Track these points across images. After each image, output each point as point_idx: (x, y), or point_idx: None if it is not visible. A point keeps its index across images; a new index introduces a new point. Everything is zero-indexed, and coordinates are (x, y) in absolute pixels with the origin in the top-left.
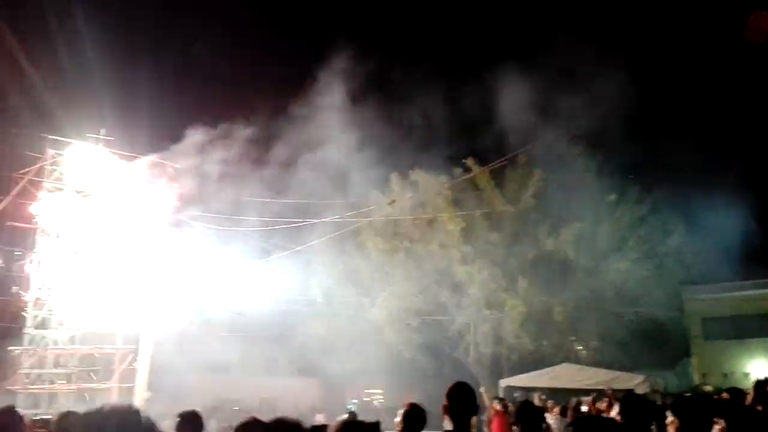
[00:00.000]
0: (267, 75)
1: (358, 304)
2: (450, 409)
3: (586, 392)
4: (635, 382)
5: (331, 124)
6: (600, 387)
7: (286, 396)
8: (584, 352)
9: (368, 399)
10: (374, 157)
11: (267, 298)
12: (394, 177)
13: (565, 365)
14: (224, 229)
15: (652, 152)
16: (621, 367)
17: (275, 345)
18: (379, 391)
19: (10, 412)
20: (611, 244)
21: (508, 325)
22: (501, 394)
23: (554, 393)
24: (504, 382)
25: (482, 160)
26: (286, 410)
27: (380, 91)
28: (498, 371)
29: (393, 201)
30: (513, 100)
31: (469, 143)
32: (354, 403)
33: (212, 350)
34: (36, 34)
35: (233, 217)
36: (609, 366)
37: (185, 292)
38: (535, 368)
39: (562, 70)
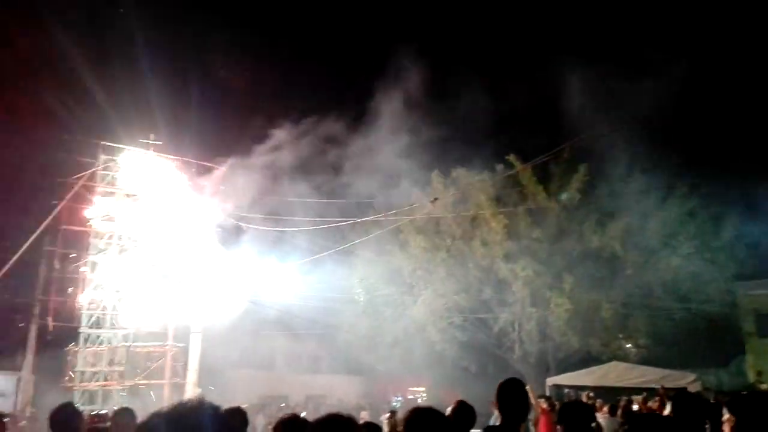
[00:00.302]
0: (310, 78)
1: (401, 302)
2: (500, 406)
3: (636, 391)
4: (686, 380)
5: (373, 125)
6: (650, 386)
7: (331, 393)
8: (633, 350)
9: (412, 396)
10: (415, 155)
11: (312, 296)
12: (435, 175)
13: (613, 363)
14: (270, 230)
15: (703, 143)
16: (671, 366)
17: (320, 343)
18: (422, 388)
19: (70, 407)
20: (661, 239)
21: (554, 323)
22: (548, 393)
23: (602, 392)
24: (551, 381)
25: (525, 156)
26: (332, 407)
27: (421, 90)
28: (544, 369)
29: (435, 199)
30: (556, 93)
31: (511, 139)
32: (398, 400)
33: (259, 348)
34: (88, 43)
35: (278, 217)
36: (659, 364)
37: (233, 290)
38: (582, 367)
39: (608, 62)
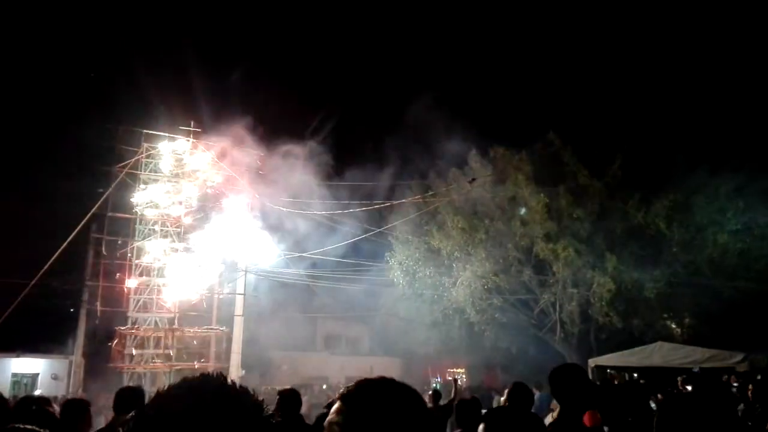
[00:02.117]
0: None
1: (440, 283)
2: (557, 395)
3: (681, 371)
4: (734, 360)
5: (411, 107)
6: (696, 366)
7: (371, 374)
8: (677, 329)
9: (451, 378)
10: (454, 135)
11: (351, 278)
12: (473, 154)
13: (658, 343)
14: (309, 213)
15: (751, 115)
16: (719, 345)
17: (359, 325)
18: (462, 370)
19: (139, 389)
20: (707, 216)
21: (596, 304)
22: (590, 375)
23: (647, 372)
24: (593, 362)
25: (565, 133)
26: None
27: (459, 70)
28: (586, 351)
29: (473, 179)
30: (596, 68)
31: (550, 116)
32: (437, 382)
33: (300, 330)
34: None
35: (317, 201)
36: (705, 344)
37: (273, 275)
38: (625, 347)
39: (649, 34)
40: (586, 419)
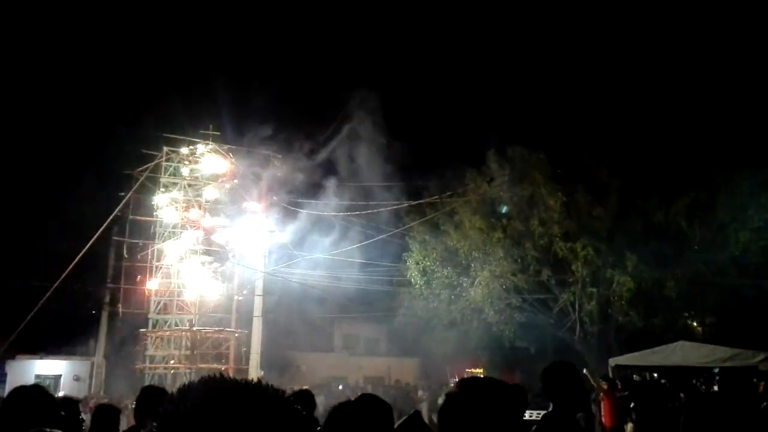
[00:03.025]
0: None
1: (458, 283)
2: (548, 393)
3: (703, 371)
4: (757, 359)
5: (426, 104)
6: (718, 365)
7: (389, 375)
8: (698, 328)
9: (472, 376)
10: (469, 135)
11: (368, 279)
12: (491, 154)
13: (679, 343)
14: (326, 214)
15: None
16: (741, 344)
17: (377, 325)
18: (480, 370)
19: (162, 389)
20: (729, 214)
21: (616, 303)
22: (610, 374)
23: (668, 372)
24: (613, 361)
25: (584, 131)
26: (390, 388)
27: (477, 69)
28: (606, 350)
29: (491, 179)
30: (617, 66)
31: (569, 114)
32: (456, 382)
33: (318, 331)
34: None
35: (335, 202)
36: (727, 343)
37: (291, 276)
38: (646, 347)
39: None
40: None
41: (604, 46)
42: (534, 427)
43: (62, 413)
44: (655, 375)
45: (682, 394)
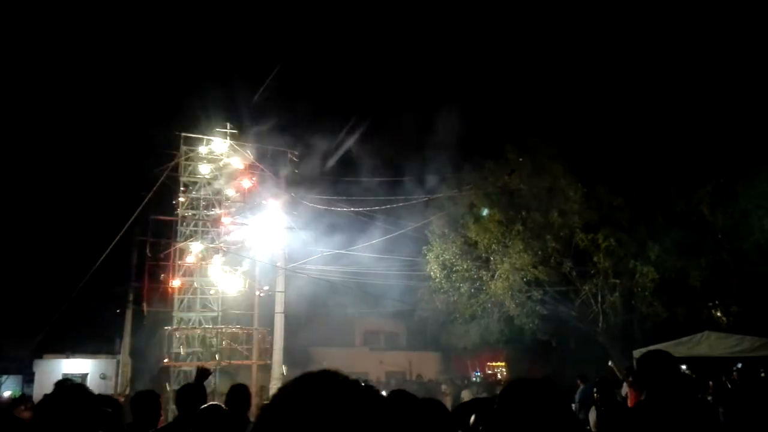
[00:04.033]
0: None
1: (478, 277)
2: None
3: (730, 360)
4: None
5: (443, 95)
6: (744, 354)
7: (410, 369)
8: (723, 318)
9: (491, 372)
10: (487, 127)
11: (388, 274)
12: (509, 146)
13: (705, 333)
14: (344, 210)
15: None
16: (766, 333)
17: (397, 320)
18: (502, 364)
19: (201, 386)
20: (752, 201)
21: (640, 294)
22: (634, 366)
23: (694, 363)
24: (637, 353)
25: (603, 120)
26: (411, 383)
27: (493, 58)
28: (630, 342)
29: (511, 171)
30: (635, 53)
31: (587, 104)
32: (478, 376)
33: (338, 326)
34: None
35: (353, 198)
36: (753, 332)
37: (311, 272)
38: (671, 338)
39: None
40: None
41: (622, 35)
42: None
43: (109, 410)
44: (684, 366)
45: (711, 382)
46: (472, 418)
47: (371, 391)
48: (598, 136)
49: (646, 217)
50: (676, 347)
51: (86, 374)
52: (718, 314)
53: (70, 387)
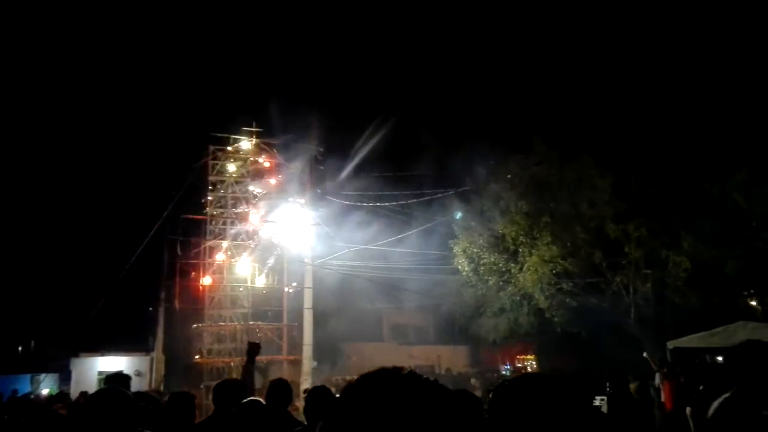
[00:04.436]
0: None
1: (506, 269)
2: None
3: None
4: None
5: (469, 89)
6: None
7: (439, 363)
8: (759, 307)
9: (521, 365)
10: (514, 120)
11: (415, 268)
12: (537, 138)
13: (740, 323)
14: (371, 205)
15: None
16: None
17: (425, 314)
18: (531, 357)
19: (238, 381)
20: None
21: (673, 284)
22: (668, 357)
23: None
24: (671, 344)
25: (633, 109)
26: (440, 376)
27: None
28: (663, 333)
29: (539, 162)
30: (661, 43)
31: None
32: (507, 369)
33: (367, 320)
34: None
35: (379, 193)
36: None
37: (338, 267)
38: (705, 328)
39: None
40: None
41: (651, 23)
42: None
43: (150, 407)
44: (719, 358)
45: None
46: None
47: (437, 386)
48: (628, 126)
49: (679, 206)
50: (709, 338)
51: (121, 371)
52: (754, 303)
53: (107, 391)
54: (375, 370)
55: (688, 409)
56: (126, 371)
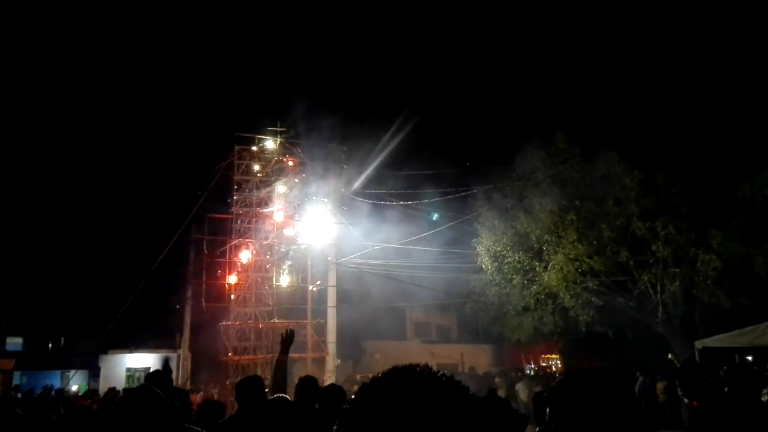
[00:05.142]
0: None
1: (530, 268)
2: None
3: None
4: None
5: (491, 86)
6: None
7: (462, 362)
8: None
9: (545, 364)
10: (536, 117)
11: (439, 267)
12: (560, 134)
13: None
14: (394, 204)
15: None
16: None
17: (449, 313)
18: (556, 356)
19: (258, 378)
20: None
21: (701, 283)
22: (697, 357)
23: (760, 353)
24: (700, 344)
25: (656, 104)
26: (464, 375)
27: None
28: (691, 332)
29: (565, 159)
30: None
31: (641, 87)
32: (531, 368)
33: (390, 319)
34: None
35: (402, 191)
36: None
37: (362, 266)
38: (734, 327)
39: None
40: None
41: (675, 16)
42: None
43: (176, 403)
44: (749, 358)
45: None
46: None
47: (454, 383)
48: (654, 121)
49: (707, 203)
50: (738, 338)
51: (149, 368)
52: None
53: (139, 390)
54: (389, 370)
55: (692, 403)
56: (153, 368)
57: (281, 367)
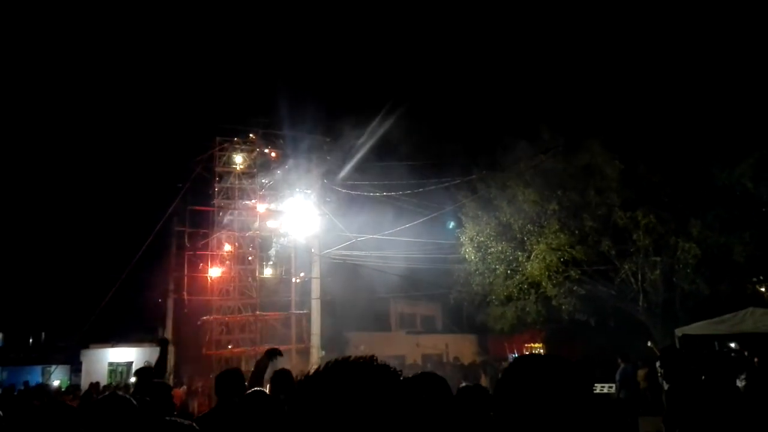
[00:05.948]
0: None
1: (513, 258)
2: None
3: None
4: None
5: (473, 76)
6: None
7: (446, 352)
8: None
9: (528, 353)
10: (519, 107)
11: (422, 257)
12: (543, 125)
13: (750, 309)
14: (377, 195)
15: None
16: None
17: (433, 303)
18: (539, 345)
19: (237, 371)
20: None
21: (681, 271)
22: (677, 344)
23: (738, 340)
24: (680, 331)
25: (638, 95)
26: (448, 365)
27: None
28: (672, 320)
29: (547, 150)
30: (665, 26)
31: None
32: (515, 357)
33: (374, 310)
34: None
35: (385, 182)
36: None
37: (345, 257)
38: (714, 315)
39: None
40: None
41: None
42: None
43: (147, 399)
44: (732, 344)
45: (756, 359)
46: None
47: (386, 371)
48: (635, 111)
49: (687, 193)
50: (718, 325)
51: (131, 362)
52: (763, 290)
53: (108, 399)
54: (330, 362)
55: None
56: (136, 362)
57: (260, 367)
